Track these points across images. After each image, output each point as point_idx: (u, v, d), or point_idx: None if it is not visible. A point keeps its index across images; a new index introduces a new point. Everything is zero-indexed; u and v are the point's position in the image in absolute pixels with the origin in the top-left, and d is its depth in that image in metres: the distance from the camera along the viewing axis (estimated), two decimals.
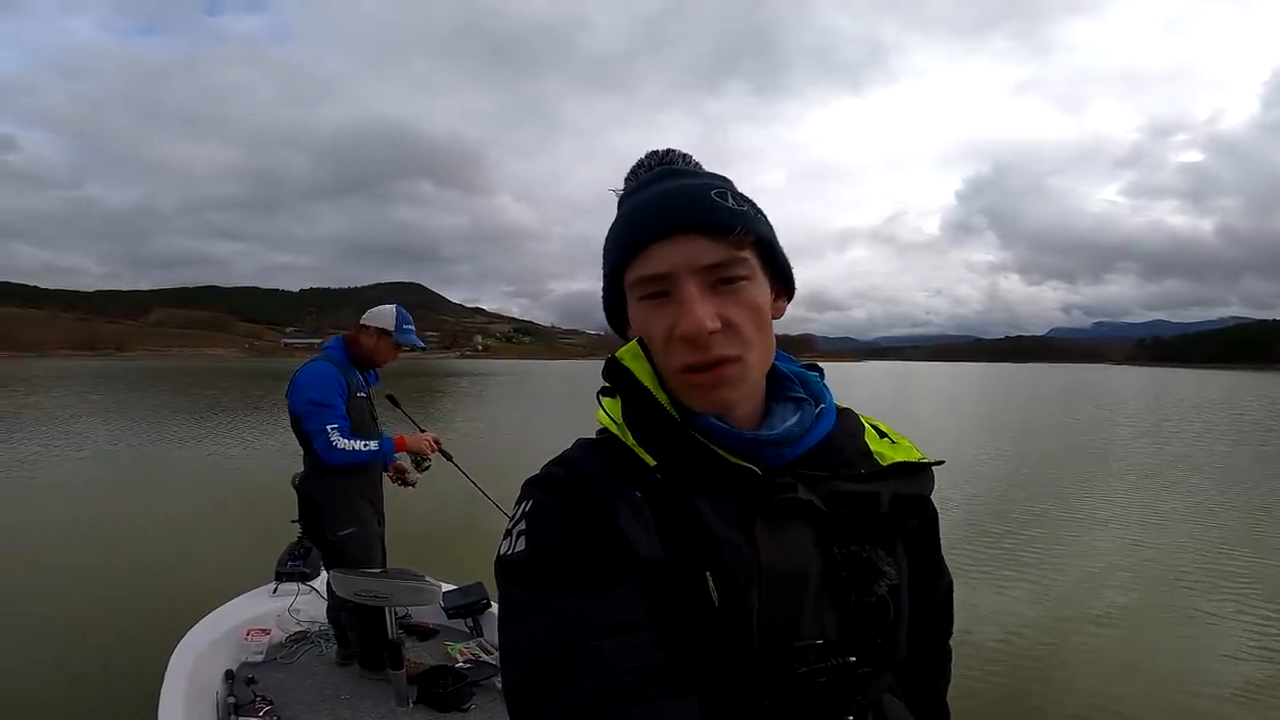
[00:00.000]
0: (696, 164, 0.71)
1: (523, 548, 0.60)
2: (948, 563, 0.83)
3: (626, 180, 0.72)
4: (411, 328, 2.96)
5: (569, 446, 0.71)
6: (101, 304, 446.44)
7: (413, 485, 3.10)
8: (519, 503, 0.65)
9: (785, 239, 0.68)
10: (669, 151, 0.71)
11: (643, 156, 0.72)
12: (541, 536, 0.60)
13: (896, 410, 22.57)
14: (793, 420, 0.67)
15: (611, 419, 0.68)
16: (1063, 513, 7.62)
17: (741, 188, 0.66)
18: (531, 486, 0.66)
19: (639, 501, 0.61)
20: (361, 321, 2.90)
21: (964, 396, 32.02)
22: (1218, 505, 8.03)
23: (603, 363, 0.69)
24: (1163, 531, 6.85)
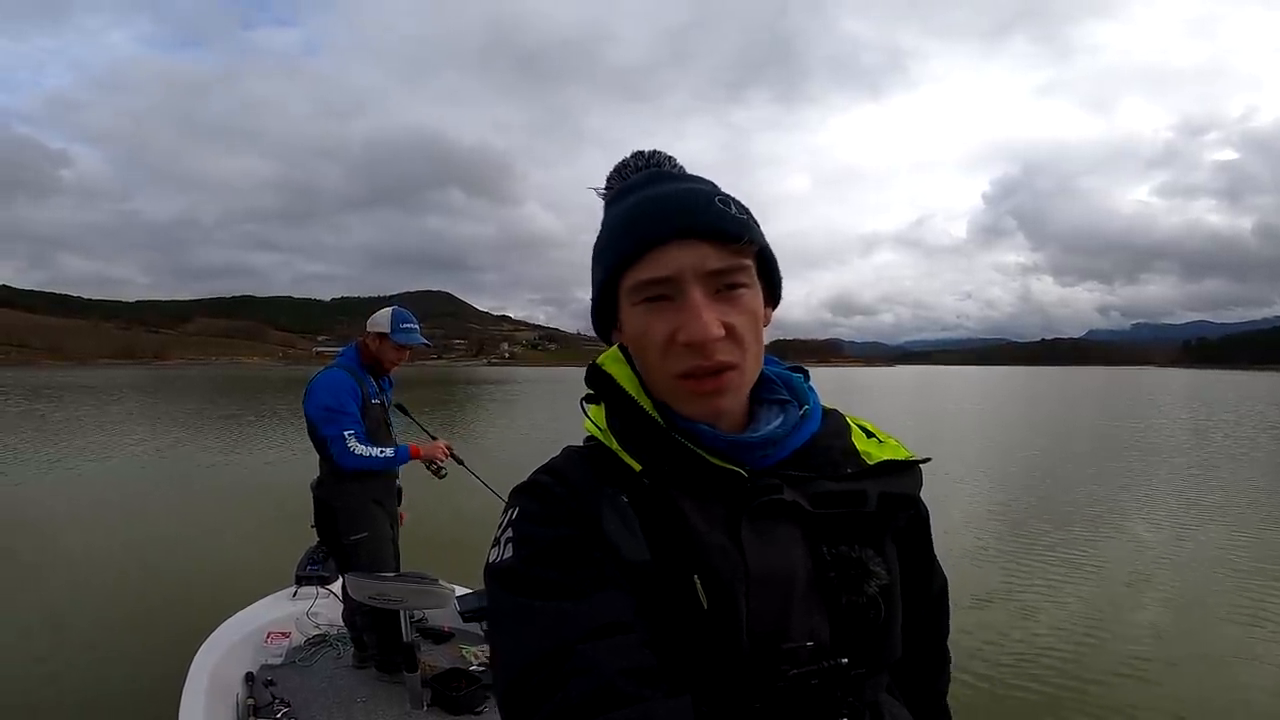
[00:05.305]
0: (681, 167, 0.71)
1: (510, 554, 0.60)
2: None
3: (609, 180, 0.72)
4: (412, 326, 2.90)
5: (555, 454, 0.71)
6: (142, 314, 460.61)
7: (442, 476, 3.13)
8: (505, 510, 0.65)
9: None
10: (655, 153, 0.71)
11: (627, 157, 0.71)
12: (528, 543, 0.60)
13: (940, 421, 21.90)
14: (776, 422, 0.67)
15: (596, 425, 0.68)
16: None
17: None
18: (517, 494, 0.66)
19: (625, 506, 0.61)
20: (366, 327, 2.93)
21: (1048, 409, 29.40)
22: None
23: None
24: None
